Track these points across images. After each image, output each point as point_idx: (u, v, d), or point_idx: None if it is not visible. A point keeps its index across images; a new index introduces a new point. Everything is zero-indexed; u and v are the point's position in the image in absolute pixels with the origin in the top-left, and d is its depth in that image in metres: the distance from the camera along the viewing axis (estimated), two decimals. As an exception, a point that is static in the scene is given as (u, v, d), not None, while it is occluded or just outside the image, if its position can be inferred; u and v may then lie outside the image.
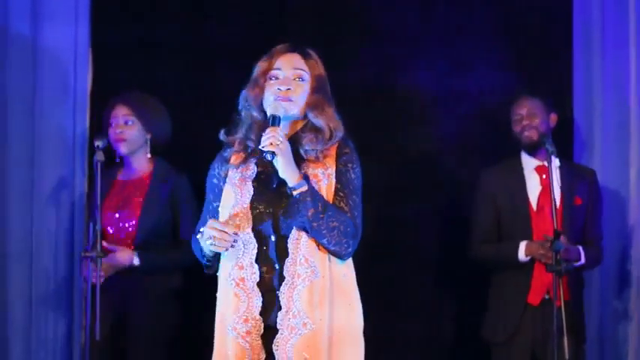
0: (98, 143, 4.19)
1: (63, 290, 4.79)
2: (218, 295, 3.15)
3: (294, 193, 3.02)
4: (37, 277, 4.76)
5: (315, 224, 3.01)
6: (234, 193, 3.11)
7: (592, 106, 4.99)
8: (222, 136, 3.26)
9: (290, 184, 3.03)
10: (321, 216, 3.01)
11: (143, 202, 4.43)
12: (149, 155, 4.52)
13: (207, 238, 3.01)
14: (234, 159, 3.20)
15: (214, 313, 3.17)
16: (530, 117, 4.58)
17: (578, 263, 4.46)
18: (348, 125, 5.01)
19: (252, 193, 3.10)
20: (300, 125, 3.19)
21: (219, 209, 3.15)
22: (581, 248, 4.48)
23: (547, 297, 4.39)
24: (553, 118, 4.65)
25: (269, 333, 3.06)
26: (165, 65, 5.03)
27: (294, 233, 3.04)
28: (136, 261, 4.33)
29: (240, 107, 3.25)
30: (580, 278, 4.60)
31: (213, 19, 5.05)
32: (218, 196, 3.17)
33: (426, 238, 5.07)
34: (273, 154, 2.99)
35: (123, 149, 4.48)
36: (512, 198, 4.56)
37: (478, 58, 5.09)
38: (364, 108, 5.09)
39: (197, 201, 4.37)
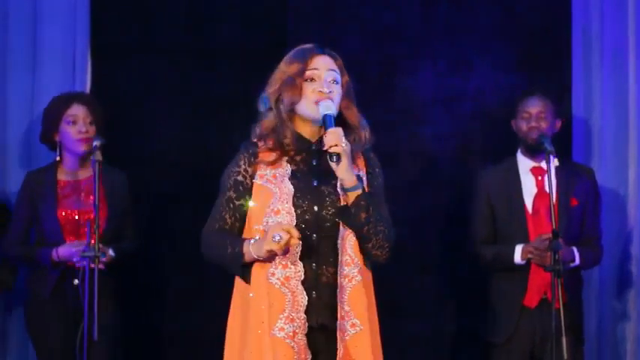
0: (96, 143, 4.14)
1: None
2: (240, 297, 3.12)
3: (350, 195, 3.00)
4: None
5: (365, 227, 3.01)
6: (272, 190, 3.07)
7: (591, 106, 5.00)
8: (253, 135, 3.18)
9: (347, 185, 3.01)
10: (372, 219, 3.01)
11: (106, 201, 4.42)
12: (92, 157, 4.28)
13: (277, 239, 2.93)
14: (264, 156, 3.14)
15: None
16: (538, 119, 4.49)
17: (573, 264, 4.43)
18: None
19: (292, 190, 3.06)
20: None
21: (250, 206, 3.10)
22: (575, 249, 4.45)
23: (545, 297, 4.37)
24: (558, 124, 4.59)
25: (313, 333, 3.05)
26: (165, 66, 5.03)
27: (342, 233, 3.04)
28: (111, 252, 4.29)
29: (266, 107, 3.17)
30: (579, 278, 4.58)
31: (213, 19, 5.05)
32: (243, 194, 3.11)
33: (427, 238, 5.07)
34: (338, 155, 2.96)
35: (84, 148, 4.43)
36: (508, 200, 4.53)
37: (479, 59, 5.09)
38: (364, 108, 5.09)
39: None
